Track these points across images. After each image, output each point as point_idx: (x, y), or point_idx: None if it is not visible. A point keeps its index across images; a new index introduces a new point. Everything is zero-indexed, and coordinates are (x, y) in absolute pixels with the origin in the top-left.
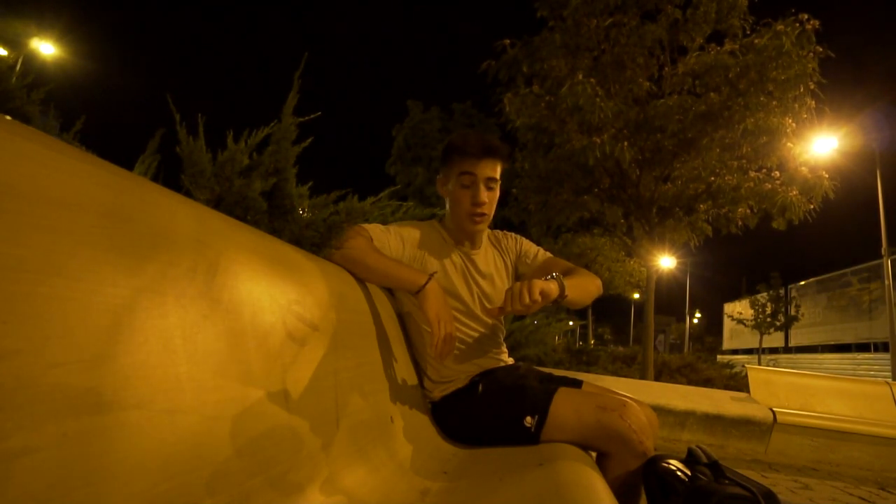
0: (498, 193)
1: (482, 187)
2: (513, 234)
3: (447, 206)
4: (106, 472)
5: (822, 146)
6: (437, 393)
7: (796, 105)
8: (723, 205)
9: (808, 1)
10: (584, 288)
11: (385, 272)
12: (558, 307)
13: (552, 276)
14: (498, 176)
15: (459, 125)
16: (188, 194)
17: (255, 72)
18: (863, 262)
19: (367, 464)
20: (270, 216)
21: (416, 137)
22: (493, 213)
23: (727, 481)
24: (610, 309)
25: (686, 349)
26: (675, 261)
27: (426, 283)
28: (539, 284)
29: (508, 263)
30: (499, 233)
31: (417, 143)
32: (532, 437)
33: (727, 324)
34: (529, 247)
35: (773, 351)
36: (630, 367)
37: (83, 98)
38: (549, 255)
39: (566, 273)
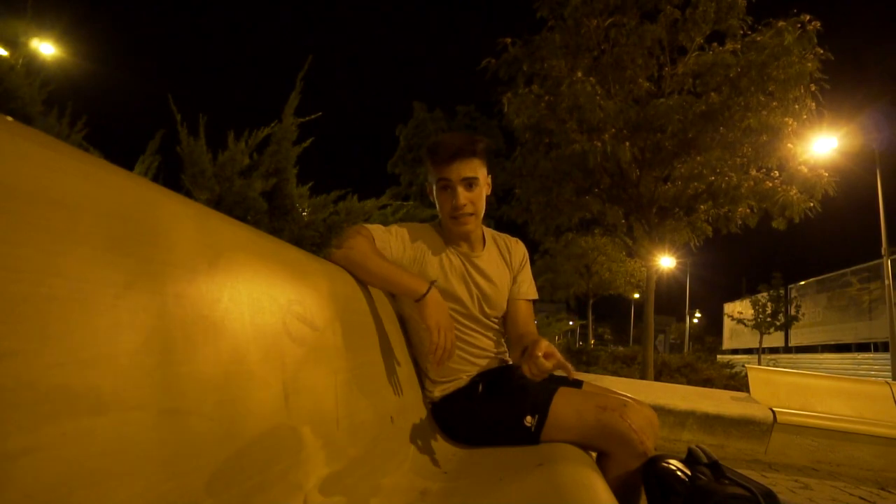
0: (484, 189)
1: (460, 190)
2: (523, 249)
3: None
4: (106, 473)
5: (822, 146)
6: (437, 393)
7: (796, 106)
8: (723, 204)
9: (809, 1)
10: None
11: (386, 278)
12: (558, 308)
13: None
14: (477, 174)
15: (461, 126)
16: (188, 194)
17: (257, 72)
18: (863, 262)
19: (366, 464)
20: (271, 216)
21: (419, 137)
22: (480, 210)
23: (727, 481)
24: (610, 309)
25: (686, 349)
26: (675, 261)
27: (427, 292)
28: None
29: (509, 270)
30: (509, 239)
31: (420, 143)
32: (532, 437)
33: (727, 324)
34: (526, 275)
35: (773, 351)
36: (630, 367)
37: (83, 98)
38: (533, 297)
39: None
